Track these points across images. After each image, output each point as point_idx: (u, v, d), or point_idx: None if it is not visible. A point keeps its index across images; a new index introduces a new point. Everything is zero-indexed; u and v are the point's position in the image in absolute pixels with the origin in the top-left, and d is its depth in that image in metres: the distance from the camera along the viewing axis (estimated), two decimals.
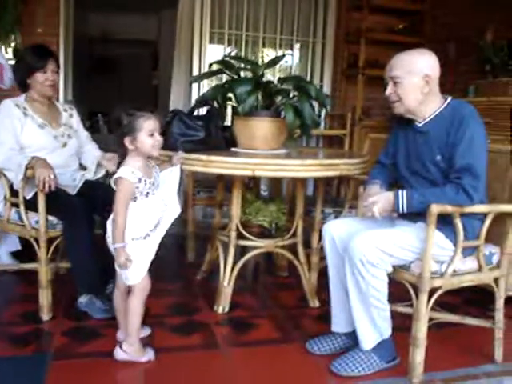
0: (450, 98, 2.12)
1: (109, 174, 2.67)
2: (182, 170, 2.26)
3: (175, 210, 2.17)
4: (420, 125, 2.14)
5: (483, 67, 3.94)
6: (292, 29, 5.03)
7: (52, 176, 2.32)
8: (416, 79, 2.05)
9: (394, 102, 2.13)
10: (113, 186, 2.04)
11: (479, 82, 3.95)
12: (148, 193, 2.04)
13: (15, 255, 3.12)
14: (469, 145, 1.96)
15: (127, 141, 2.01)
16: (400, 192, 2.03)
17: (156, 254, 2.14)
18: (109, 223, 2.07)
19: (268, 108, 2.61)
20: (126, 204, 2.00)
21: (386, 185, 2.26)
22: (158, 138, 2.05)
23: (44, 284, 2.46)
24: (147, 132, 2.00)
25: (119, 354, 2.12)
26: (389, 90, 2.13)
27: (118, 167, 2.08)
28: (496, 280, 2.16)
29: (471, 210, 1.99)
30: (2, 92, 3.37)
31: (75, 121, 2.88)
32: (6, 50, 3.64)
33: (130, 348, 2.11)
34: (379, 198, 2.07)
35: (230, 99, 2.76)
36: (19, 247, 3.11)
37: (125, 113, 2.01)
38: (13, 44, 4.04)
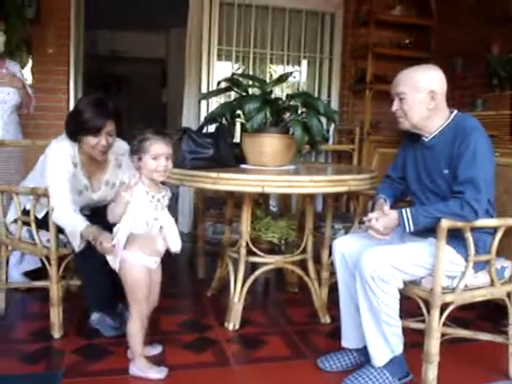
0: (455, 112, 2.13)
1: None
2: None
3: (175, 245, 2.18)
4: (427, 139, 2.15)
5: (490, 81, 3.95)
6: (299, 45, 5.07)
7: (110, 249, 2.11)
8: (421, 95, 2.06)
9: (399, 117, 2.14)
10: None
11: (487, 96, 3.96)
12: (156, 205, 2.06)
13: (28, 274, 3.15)
14: (472, 157, 1.96)
15: (134, 159, 2.06)
16: (404, 211, 2.01)
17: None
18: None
19: (276, 124, 2.63)
20: (123, 204, 2.01)
21: (392, 199, 2.26)
22: (163, 163, 2.03)
23: (55, 302, 2.47)
24: (151, 155, 2.02)
25: (132, 369, 2.15)
26: (395, 106, 2.14)
27: None
28: (509, 294, 2.14)
29: (482, 224, 1.98)
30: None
31: (122, 170, 2.61)
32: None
33: (137, 366, 2.15)
34: (379, 215, 2.07)
35: (238, 116, 2.79)
36: (39, 265, 3.12)
37: (139, 132, 2.05)
38: (29, 64, 4.11)
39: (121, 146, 2.58)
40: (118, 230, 2.06)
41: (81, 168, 2.49)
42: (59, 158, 2.41)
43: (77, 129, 2.39)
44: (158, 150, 2.02)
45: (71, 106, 4.36)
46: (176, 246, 2.16)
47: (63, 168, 2.40)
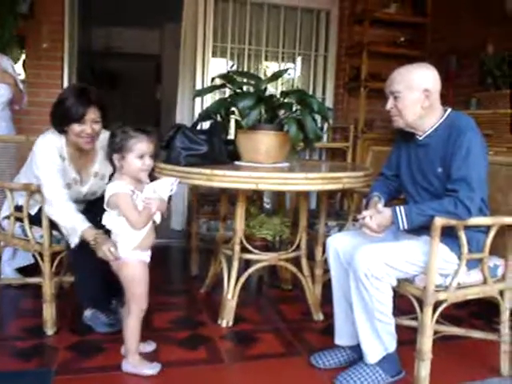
0: (449, 110, 2.13)
1: None
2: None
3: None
4: (421, 138, 2.15)
5: (485, 79, 3.95)
6: (294, 42, 5.06)
7: (113, 249, 2.10)
8: (416, 94, 2.06)
9: (394, 115, 2.14)
10: (106, 207, 2.05)
11: (481, 95, 3.97)
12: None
13: (21, 271, 3.13)
14: (465, 156, 1.97)
15: (115, 158, 2.03)
16: (398, 209, 2.02)
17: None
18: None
19: (271, 121, 2.63)
20: (135, 210, 2.00)
21: (386, 197, 2.26)
22: (148, 163, 2.03)
23: (48, 298, 2.46)
24: (137, 154, 2.00)
25: (124, 366, 2.14)
26: (389, 105, 2.14)
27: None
28: (501, 292, 2.16)
29: (475, 222, 1.99)
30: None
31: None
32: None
33: (130, 363, 2.14)
34: (372, 212, 2.07)
35: (233, 113, 2.79)
36: (32, 261, 3.11)
37: (120, 130, 2.02)
38: (21, 59, 4.08)
39: (107, 136, 2.56)
40: (120, 242, 2.07)
41: (69, 161, 2.47)
42: (46, 152, 2.40)
43: (61, 118, 2.37)
44: (143, 149, 2.01)
45: None
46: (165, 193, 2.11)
47: (52, 162, 2.39)
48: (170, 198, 2.17)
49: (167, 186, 2.11)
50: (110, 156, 2.05)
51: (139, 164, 2.01)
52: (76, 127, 2.36)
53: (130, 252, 2.06)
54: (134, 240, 2.06)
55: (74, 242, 2.30)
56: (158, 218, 2.11)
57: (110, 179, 2.07)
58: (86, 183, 2.57)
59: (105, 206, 2.06)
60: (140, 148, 2.00)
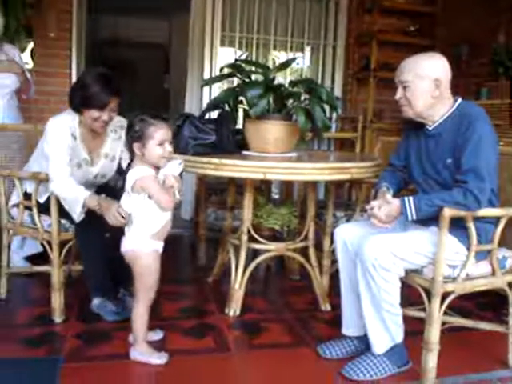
0: (459, 100, 2.11)
1: (121, 175, 2.64)
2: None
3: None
4: (430, 128, 2.13)
5: (496, 69, 3.91)
6: (303, 31, 5.03)
7: (120, 216, 2.13)
8: (426, 83, 2.04)
9: (403, 105, 2.12)
10: (129, 192, 2.04)
11: (492, 85, 3.93)
12: None
13: (31, 259, 3.15)
14: (475, 146, 1.95)
15: (135, 147, 2.02)
16: (406, 199, 2.00)
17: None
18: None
19: (279, 111, 2.61)
20: (165, 191, 2.00)
21: (395, 187, 2.24)
22: (169, 149, 2.02)
23: (56, 286, 2.48)
24: (157, 141, 1.99)
25: (132, 354, 2.15)
26: (398, 94, 2.12)
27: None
28: (510, 284, 2.14)
29: (484, 213, 1.97)
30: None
31: (122, 143, 2.58)
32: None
33: (138, 351, 2.15)
34: (381, 203, 2.06)
35: (241, 102, 2.77)
36: (40, 249, 3.13)
37: (138, 118, 2.02)
38: (29, 48, 4.07)
39: (119, 119, 2.60)
40: (140, 228, 2.07)
41: (80, 141, 2.49)
42: (58, 130, 2.42)
43: (82, 102, 2.39)
44: (163, 136, 2.01)
45: None
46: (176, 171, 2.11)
47: (63, 139, 2.41)
48: (181, 175, 2.18)
49: (175, 166, 2.10)
50: (130, 145, 2.04)
51: (160, 151, 2.01)
52: (95, 113, 2.39)
53: (147, 241, 2.06)
54: (155, 226, 2.06)
55: (77, 214, 2.32)
56: (177, 194, 2.09)
57: (129, 165, 2.07)
58: (97, 164, 2.59)
59: (128, 191, 2.05)
60: (160, 135, 2.00)
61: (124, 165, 2.63)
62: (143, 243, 2.07)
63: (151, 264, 2.09)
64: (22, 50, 3.91)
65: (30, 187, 2.52)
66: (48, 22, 4.27)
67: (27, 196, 2.52)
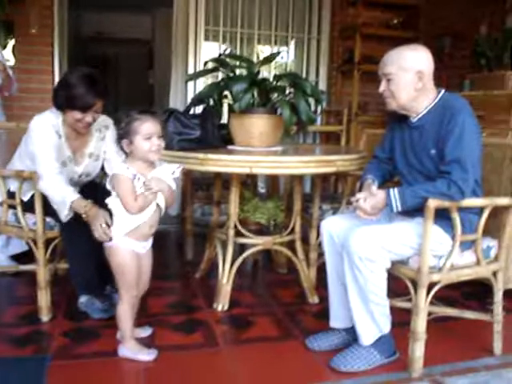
0: (442, 91, 2.12)
1: (105, 174, 2.62)
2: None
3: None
4: (414, 120, 2.14)
5: (478, 61, 3.94)
6: (287, 25, 5.04)
7: (106, 226, 2.11)
8: (409, 75, 2.05)
9: (387, 98, 2.13)
10: (108, 186, 2.03)
11: (474, 76, 3.96)
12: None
13: (17, 258, 3.13)
14: (458, 138, 1.96)
15: (124, 144, 2.00)
16: (391, 191, 2.01)
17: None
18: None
19: (264, 105, 2.61)
20: (132, 194, 1.97)
21: (380, 179, 2.25)
22: (156, 142, 1.98)
23: (42, 285, 2.46)
24: (143, 136, 1.96)
25: (121, 351, 2.15)
26: (382, 87, 2.13)
27: None
28: (494, 273, 2.17)
29: (468, 203, 1.99)
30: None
31: (106, 143, 2.60)
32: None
33: (126, 348, 2.15)
34: (366, 195, 2.07)
35: (226, 97, 2.77)
36: (25, 248, 3.10)
37: (124, 115, 1.99)
38: (10, 45, 4.02)
39: (104, 119, 2.58)
40: (115, 225, 2.06)
41: (65, 139, 2.47)
42: (43, 128, 2.39)
43: (65, 102, 2.35)
44: (149, 130, 1.96)
45: None
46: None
47: (48, 137, 2.38)
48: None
49: (170, 169, 2.07)
50: (119, 143, 2.01)
51: (147, 146, 1.96)
52: (78, 114, 2.35)
53: (122, 238, 2.05)
54: (128, 225, 2.03)
55: (64, 215, 2.29)
56: (161, 203, 2.08)
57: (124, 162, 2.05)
58: (81, 164, 2.57)
59: (108, 186, 2.04)
60: (146, 128, 1.96)
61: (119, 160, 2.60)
62: (118, 240, 2.06)
63: (127, 262, 2.06)
64: (3, 46, 3.87)
65: (13, 186, 2.49)
66: (29, 18, 4.21)
67: (11, 194, 2.50)
